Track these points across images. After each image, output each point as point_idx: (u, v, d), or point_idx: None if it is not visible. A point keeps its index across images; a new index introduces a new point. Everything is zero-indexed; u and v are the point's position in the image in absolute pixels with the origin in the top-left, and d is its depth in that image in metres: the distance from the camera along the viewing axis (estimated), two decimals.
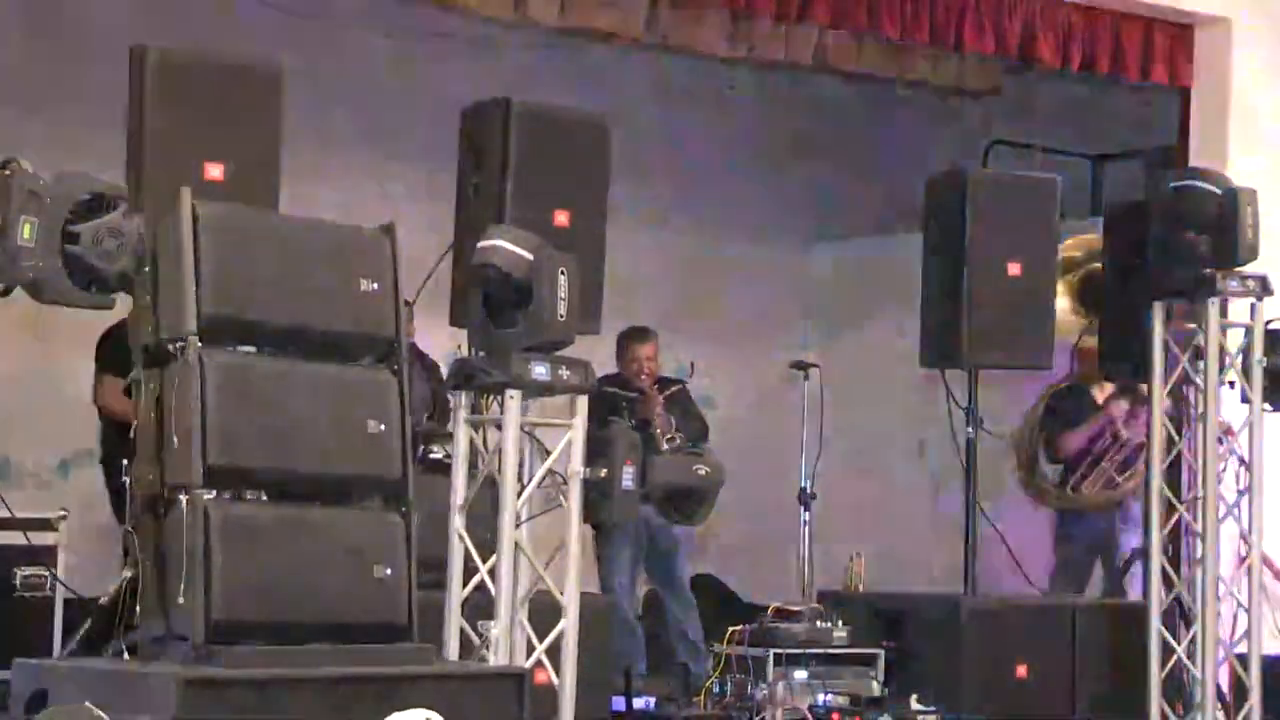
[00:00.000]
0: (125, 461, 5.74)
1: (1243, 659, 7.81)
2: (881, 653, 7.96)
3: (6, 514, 6.44)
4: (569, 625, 6.36)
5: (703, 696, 7.89)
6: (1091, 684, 8.07)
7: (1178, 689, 7.82)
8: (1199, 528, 7.74)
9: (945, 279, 8.18)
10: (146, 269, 5.55)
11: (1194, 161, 9.04)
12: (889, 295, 10.11)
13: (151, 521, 5.55)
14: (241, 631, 5.38)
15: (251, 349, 5.69)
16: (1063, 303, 8.68)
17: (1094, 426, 8.91)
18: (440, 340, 7.70)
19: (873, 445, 10.71)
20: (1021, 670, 7.98)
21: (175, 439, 5.45)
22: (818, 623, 7.95)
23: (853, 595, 8.45)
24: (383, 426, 5.74)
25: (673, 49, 9.13)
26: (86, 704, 5.02)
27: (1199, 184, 7.70)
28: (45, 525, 7.08)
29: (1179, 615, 7.89)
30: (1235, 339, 7.88)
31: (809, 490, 8.91)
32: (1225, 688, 7.92)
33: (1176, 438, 7.93)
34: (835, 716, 7.60)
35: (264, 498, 5.65)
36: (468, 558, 6.34)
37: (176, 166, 6.13)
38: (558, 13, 8.40)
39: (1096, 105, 11.10)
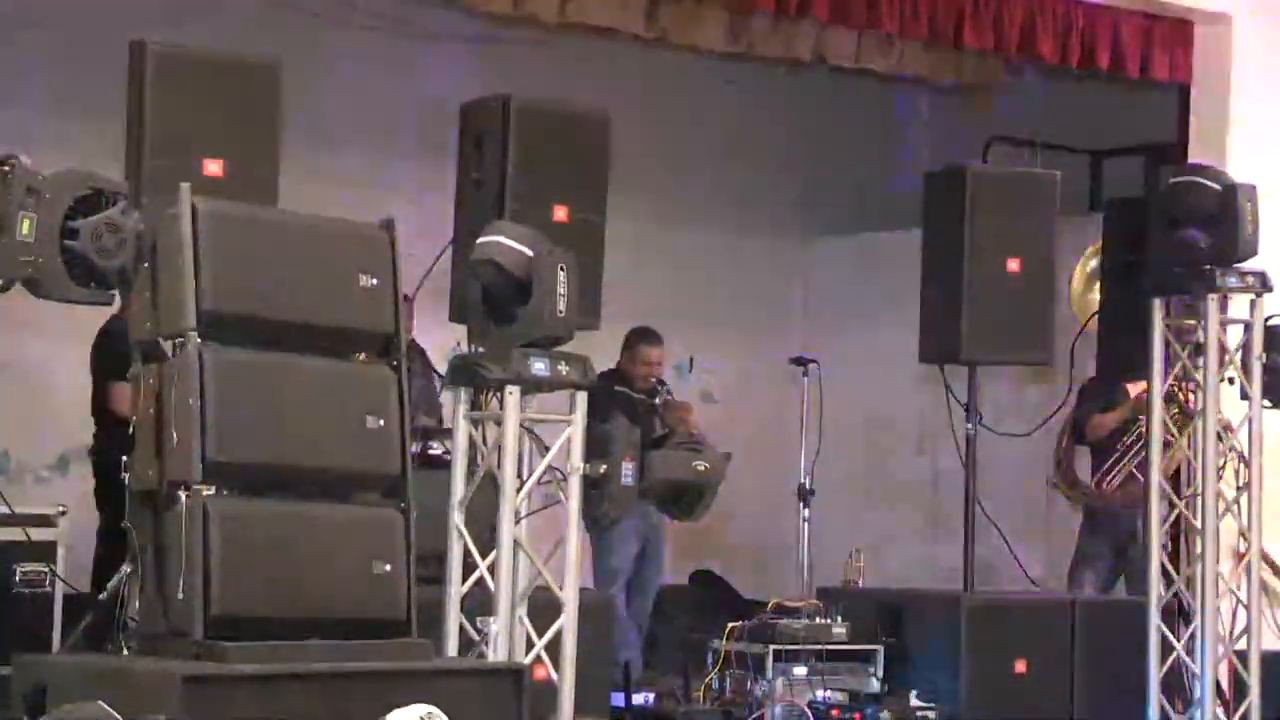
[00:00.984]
0: (124, 458, 5.74)
1: (1242, 655, 7.81)
2: (881, 649, 7.96)
3: (6, 510, 6.43)
4: (568, 621, 6.36)
5: (702, 692, 7.89)
6: (1090, 680, 8.07)
7: (1177, 685, 7.82)
8: (1198, 524, 7.74)
9: (945, 275, 8.18)
10: (145, 265, 5.55)
11: (1193, 158, 9.04)
12: (888, 291, 10.10)
13: (151, 517, 5.55)
14: (241, 627, 5.38)
15: (250, 345, 5.68)
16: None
17: (1124, 413, 8.86)
18: (440, 336, 7.70)
19: (872, 441, 10.71)
20: (1020, 666, 7.98)
21: (174, 435, 5.45)
22: (817, 619, 7.95)
23: (852, 591, 8.45)
24: (382, 422, 5.75)
25: (672, 45, 9.12)
26: (99, 703, 5.02)
27: (1198, 180, 7.70)
28: (45, 521, 7.08)
29: (1178, 612, 7.88)
30: (1235, 335, 7.87)
31: (808, 486, 8.91)
32: (1224, 684, 7.92)
33: (1176, 434, 7.93)
34: (834, 713, 7.60)
35: (263, 493, 5.65)
36: (467, 554, 6.34)
37: (175, 162, 6.13)
38: (557, 9, 8.39)
39: (1096, 101, 11.10)
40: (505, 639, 6.23)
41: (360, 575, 5.64)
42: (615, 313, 7.07)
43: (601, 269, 6.76)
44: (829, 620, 7.96)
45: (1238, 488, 7.84)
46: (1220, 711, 7.76)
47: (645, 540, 8.73)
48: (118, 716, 4.97)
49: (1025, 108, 11.30)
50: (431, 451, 7.20)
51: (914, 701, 7.73)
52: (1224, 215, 7.57)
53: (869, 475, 10.73)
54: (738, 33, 8.90)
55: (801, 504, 8.89)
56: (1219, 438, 7.74)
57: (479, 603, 6.33)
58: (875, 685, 7.90)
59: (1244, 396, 7.84)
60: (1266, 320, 7.82)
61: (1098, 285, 8.69)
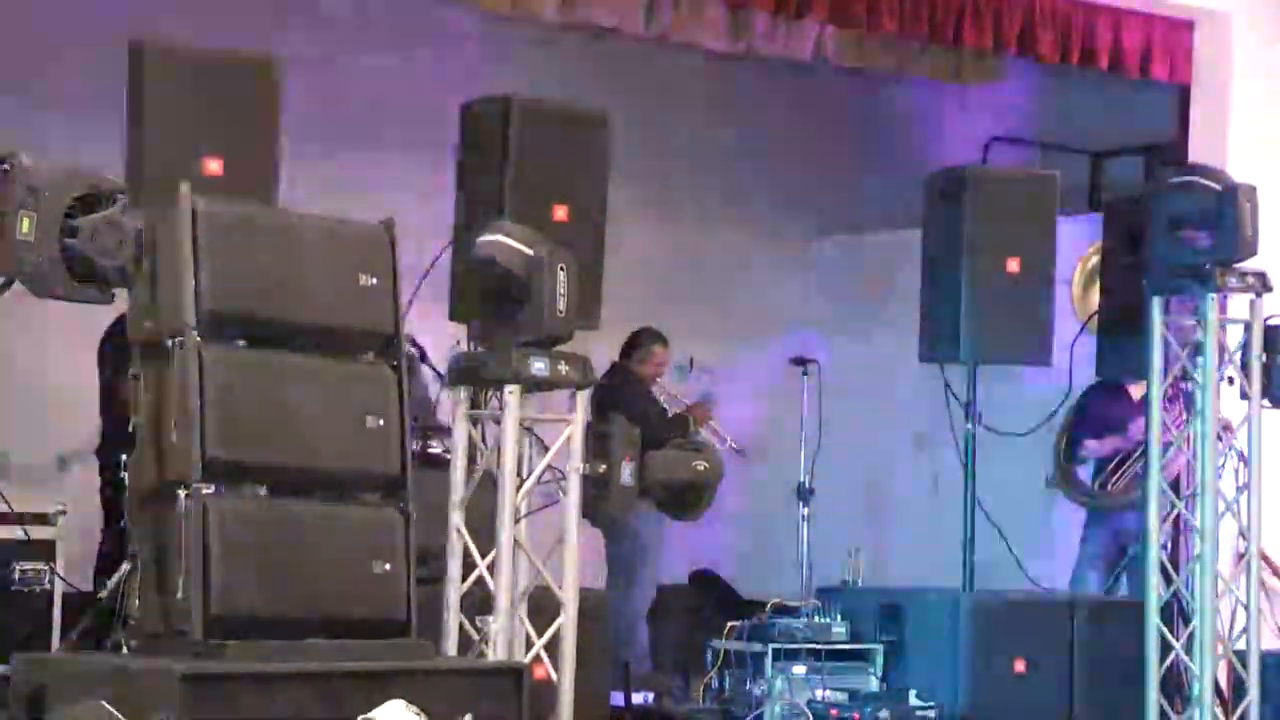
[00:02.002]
0: (124, 456, 5.74)
1: (1241, 656, 7.80)
2: (880, 648, 7.97)
3: (5, 509, 6.43)
4: (568, 621, 6.36)
5: (702, 692, 7.90)
6: (1090, 680, 8.07)
7: (1176, 685, 7.82)
8: (1197, 524, 7.74)
9: (944, 275, 8.19)
10: (145, 264, 5.54)
11: (1193, 157, 9.04)
12: (889, 291, 10.10)
13: (151, 516, 5.55)
14: (240, 626, 5.38)
15: (250, 344, 5.68)
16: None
17: (1117, 442, 8.89)
18: (440, 336, 7.69)
19: (872, 440, 10.71)
20: (1020, 666, 7.98)
21: (174, 434, 5.45)
22: (816, 618, 7.96)
23: (851, 591, 8.45)
24: (381, 421, 5.74)
25: (672, 44, 9.12)
26: (100, 702, 5.02)
27: (1198, 180, 7.70)
28: (43, 520, 7.08)
29: (1177, 612, 7.88)
30: (1234, 335, 7.87)
31: (808, 486, 8.91)
32: (1223, 684, 7.92)
33: (1175, 434, 7.93)
34: (834, 712, 7.60)
35: (263, 492, 5.65)
36: (467, 553, 6.34)
37: (175, 161, 6.13)
38: (558, 7, 8.40)
39: (1095, 101, 11.10)
40: (505, 638, 6.23)
41: (360, 574, 5.64)
42: (615, 313, 7.07)
43: (601, 268, 6.76)
44: (828, 620, 7.96)
45: (1237, 488, 7.84)
46: (1219, 711, 7.76)
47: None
48: (119, 716, 4.97)
49: (1025, 108, 11.30)
50: (431, 450, 7.20)
51: (913, 701, 7.73)
52: (1224, 215, 7.57)
53: (868, 475, 10.72)
54: (738, 32, 8.91)
55: (801, 503, 8.90)
56: (1218, 438, 7.74)
57: (479, 602, 6.33)
58: (874, 685, 7.90)
59: (1244, 396, 7.85)
60: (1266, 320, 7.82)
61: (1097, 285, 8.69)
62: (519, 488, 6.32)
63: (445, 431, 6.97)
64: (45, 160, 5.41)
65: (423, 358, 7.64)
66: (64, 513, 7.19)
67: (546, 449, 6.45)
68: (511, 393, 6.24)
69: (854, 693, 7.79)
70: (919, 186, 8.47)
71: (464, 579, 6.35)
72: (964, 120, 11.46)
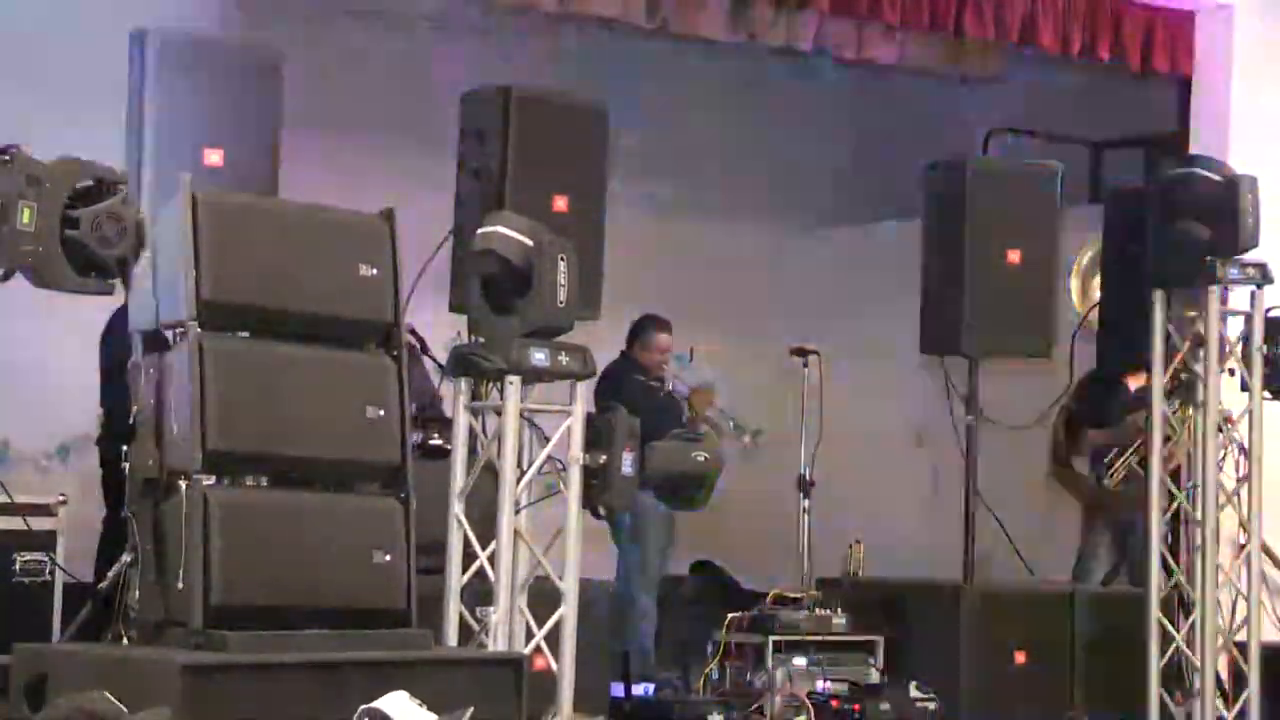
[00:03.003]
0: (125, 447, 5.74)
1: (1242, 647, 7.80)
2: (881, 640, 7.97)
3: (6, 499, 6.43)
4: (568, 611, 6.36)
5: (702, 683, 7.90)
6: (1090, 672, 8.07)
7: (1177, 677, 7.82)
8: (1198, 515, 7.74)
9: (945, 266, 8.18)
10: (146, 254, 5.54)
11: (1194, 149, 9.03)
12: (889, 282, 10.09)
13: (151, 507, 5.56)
14: (240, 616, 5.38)
15: (251, 335, 5.68)
16: None
17: (1114, 435, 8.88)
18: (440, 327, 7.69)
19: (873, 432, 10.70)
20: (1020, 657, 7.98)
21: (175, 425, 5.45)
22: (817, 610, 7.96)
23: (852, 582, 8.45)
24: (382, 412, 5.75)
25: (674, 35, 9.11)
26: (103, 693, 5.03)
27: (1199, 171, 7.69)
28: (44, 510, 7.08)
29: (1178, 603, 7.88)
30: (1235, 327, 7.87)
31: (808, 477, 8.91)
32: (1224, 676, 7.92)
33: (1176, 425, 7.93)
34: (834, 703, 7.60)
35: (263, 483, 5.65)
36: (467, 544, 6.34)
37: (176, 152, 6.13)
38: None
39: (1097, 92, 11.09)
40: (505, 629, 6.23)
41: (360, 565, 5.64)
42: (615, 303, 7.06)
43: (601, 259, 6.76)
44: (829, 611, 7.96)
45: (1238, 479, 7.84)
46: (1220, 703, 7.76)
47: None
48: (121, 706, 4.97)
49: (1026, 99, 11.29)
50: (432, 442, 7.20)
51: (914, 692, 7.73)
52: (1225, 207, 7.57)
53: (869, 466, 10.72)
54: (739, 22, 8.90)
55: (802, 495, 8.89)
56: (1219, 429, 7.73)
57: (479, 593, 6.33)
58: (875, 676, 7.90)
59: (1244, 388, 7.84)
60: (1267, 312, 7.82)
61: (1097, 277, 8.69)
62: (519, 478, 6.32)
63: (446, 422, 6.97)
64: (46, 151, 5.40)
65: (423, 348, 7.64)
66: (65, 503, 7.19)
67: (547, 440, 6.45)
68: (512, 383, 6.24)
69: (855, 684, 7.79)
70: (920, 177, 8.46)
71: (464, 570, 6.35)
72: (965, 111, 11.45)
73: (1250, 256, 7.67)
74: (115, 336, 7.00)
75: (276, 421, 5.59)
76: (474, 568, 6.34)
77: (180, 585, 5.36)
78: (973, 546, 8.19)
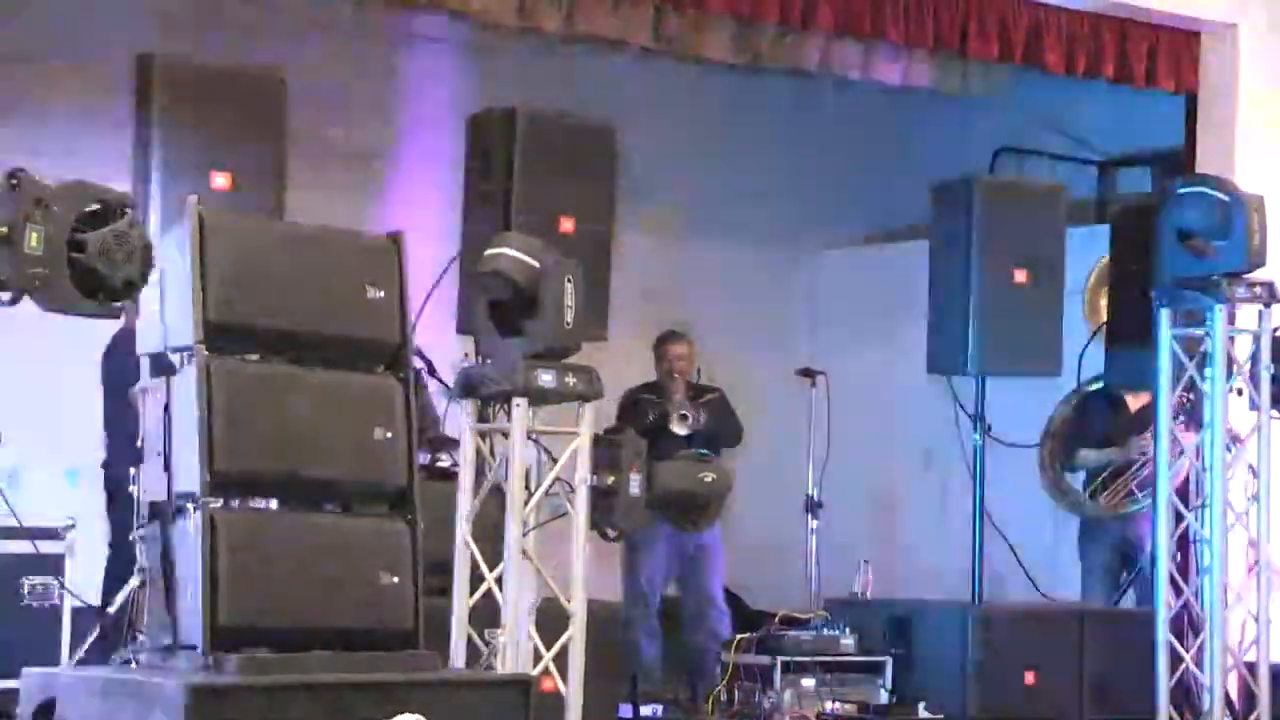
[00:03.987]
0: (131, 470, 5.74)
1: (1251, 667, 7.79)
2: (889, 660, 7.96)
3: (14, 523, 6.43)
4: (576, 633, 6.35)
5: (710, 704, 7.88)
6: (1099, 691, 8.05)
7: (1186, 697, 7.80)
8: (1207, 535, 7.73)
9: (952, 286, 8.18)
10: (153, 277, 5.55)
11: (1201, 167, 9.04)
12: (896, 302, 10.10)
13: (158, 530, 5.55)
14: (248, 638, 5.38)
15: (258, 356, 5.68)
16: None
17: (1114, 456, 8.85)
18: (448, 348, 7.69)
19: (880, 452, 10.70)
20: (1029, 677, 7.97)
21: (182, 447, 5.45)
22: (825, 630, 7.95)
23: (860, 602, 8.44)
24: (389, 434, 5.74)
25: (678, 56, 9.12)
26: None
27: (1206, 190, 7.69)
28: (53, 534, 7.08)
29: (1187, 623, 7.87)
30: (1243, 346, 7.86)
31: (816, 498, 8.90)
32: (1234, 696, 7.90)
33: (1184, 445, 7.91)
34: None
35: (270, 505, 5.65)
36: (474, 565, 6.33)
37: (183, 175, 6.14)
38: (563, 19, 8.40)
39: (1103, 111, 11.09)
40: (513, 651, 6.22)
41: (367, 587, 5.63)
42: (621, 324, 7.06)
43: (609, 280, 6.76)
44: (837, 631, 7.95)
45: (1247, 498, 7.83)
46: None
47: (684, 558, 8.65)
48: None
49: (1032, 118, 11.29)
50: (439, 463, 7.20)
51: (922, 713, 7.72)
52: (1232, 225, 7.57)
53: (877, 486, 10.71)
54: (744, 43, 8.91)
55: (809, 515, 8.88)
56: (1227, 449, 7.72)
57: (487, 614, 6.32)
58: (884, 696, 7.89)
59: (1253, 407, 7.83)
60: (1275, 331, 7.81)
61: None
62: (527, 500, 6.32)
63: (453, 444, 6.97)
64: (53, 174, 5.41)
65: (431, 370, 7.64)
66: (73, 527, 7.19)
67: (554, 461, 6.44)
68: (519, 405, 6.24)
69: (863, 705, 7.78)
70: (926, 197, 8.47)
71: (472, 591, 6.35)
72: (970, 131, 11.45)
73: (1258, 275, 7.67)
74: (115, 359, 7.01)
75: (284, 443, 5.58)
76: (482, 589, 6.33)
77: (188, 607, 5.36)
78: (981, 566, 8.17)
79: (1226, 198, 7.63)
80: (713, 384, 9.07)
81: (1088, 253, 9.65)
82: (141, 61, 6.36)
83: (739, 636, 7.97)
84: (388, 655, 5.62)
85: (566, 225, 6.69)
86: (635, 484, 6.49)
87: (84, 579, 7.10)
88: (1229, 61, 9.28)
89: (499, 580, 6.28)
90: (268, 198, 6.45)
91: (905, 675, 7.94)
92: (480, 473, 6.42)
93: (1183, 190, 7.76)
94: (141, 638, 5.65)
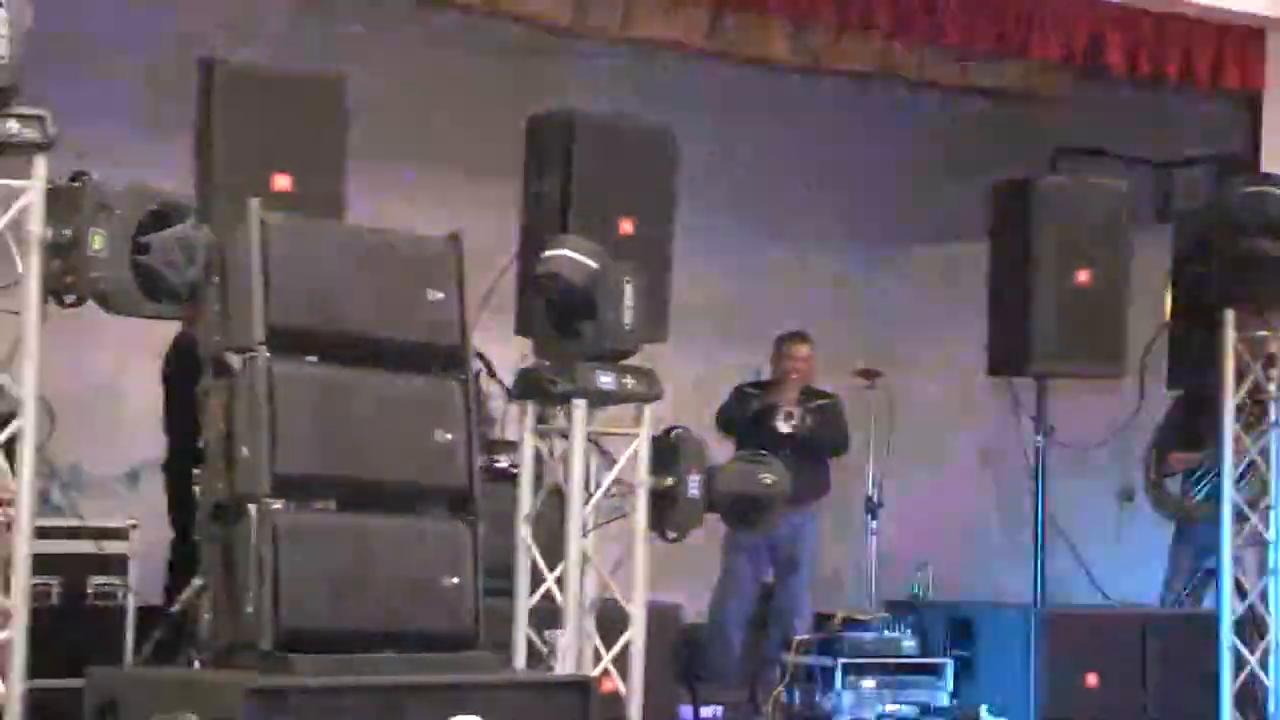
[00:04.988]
0: (194, 471, 5.78)
1: None
2: (950, 662, 7.92)
3: (78, 523, 6.48)
4: (636, 634, 6.35)
5: (771, 706, 7.87)
6: (1162, 694, 7.99)
7: (1251, 700, 7.73)
8: (1271, 537, 7.66)
9: (1013, 287, 8.14)
10: (215, 280, 5.58)
11: (1265, 167, 8.95)
12: (957, 303, 10.05)
13: (220, 531, 5.59)
14: (309, 639, 5.40)
15: (318, 359, 5.71)
16: None
17: (1202, 455, 8.76)
18: (506, 351, 7.71)
19: (941, 453, 10.65)
20: (1092, 680, 7.92)
21: (243, 448, 5.48)
22: (886, 632, 7.92)
23: (921, 604, 8.41)
24: (449, 436, 5.76)
25: (735, 58, 9.11)
26: (191, 715, 5.05)
27: (1270, 190, 7.63)
28: (117, 534, 7.13)
29: (1252, 625, 7.80)
30: None
31: (876, 499, 8.87)
32: None
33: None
34: None
35: (331, 507, 5.68)
36: (535, 566, 6.34)
37: (244, 178, 6.17)
38: (621, 22, 8.40)
39: (1166, 111, 11.01)
40: (573, 651, 6.23)
41: (428, 588, 5.65)
42: (681, 326, 7.05)
43: (668, 282, 6.75)
44: (898, 633, 7.92)
45: None
46: None
47: (779, 560, 8.63)
48: None
49: (1094, 118, 11.21)
50: (497, 465, 7.21)
51: (984, 715, 7.69)
52: None
53: (937, 488, 10.66)
54: (801, 46, 8.89)
55: (870, 517, 8.85)
56: None
57: (547, 615, 6.33)
58: (944, 699, 7.86)
59: None
60: None
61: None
62: (586, 501, 6.32)
63: (511, 446, 6.98)
64: (116, 178, 5.45)
65: (490, 372, 7.66)
66: (136, 527, 7.23)
67: (613, 462, 6.45)
68: (578, 407, 6.24)
69: (924, 707, 7.75)
70: (986, 198, 8.42)
71: (532, 592, 6.36)
72: (1031, 131, 11.38)
73: None
74: (177, 360, 7.05)
75: (344, 445, 5.61)
76: (542, 590, 6.34)
77: (250, 609, 5.39)
78: (1043, 568, 8.12)
79: None
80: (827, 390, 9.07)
81: (1150, 253, 9.57)
82: (204, 65, 6.39)
83: (799, 638, 7.95)
84: (448, 656, 5.64)
85: (626, 227, 6.69)
86: (694, 485, 6.48)
87: (146, 579, 7.14)
88: None
89: (559, 581, 6.29)
90: (329, 200, 6.47)
91: (967, 678, 7.90)
92: (540, 474, 6.43)
93: (1246, 190, 7.69)
94: (204, 638, 5.69)
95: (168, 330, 6.55)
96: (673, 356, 8.36)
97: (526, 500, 6.39)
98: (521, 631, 6.32)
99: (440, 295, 5.83)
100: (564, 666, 6.18)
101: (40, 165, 5.28)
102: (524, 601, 6.34)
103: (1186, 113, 10.84)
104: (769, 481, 6.94)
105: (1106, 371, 8.34)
